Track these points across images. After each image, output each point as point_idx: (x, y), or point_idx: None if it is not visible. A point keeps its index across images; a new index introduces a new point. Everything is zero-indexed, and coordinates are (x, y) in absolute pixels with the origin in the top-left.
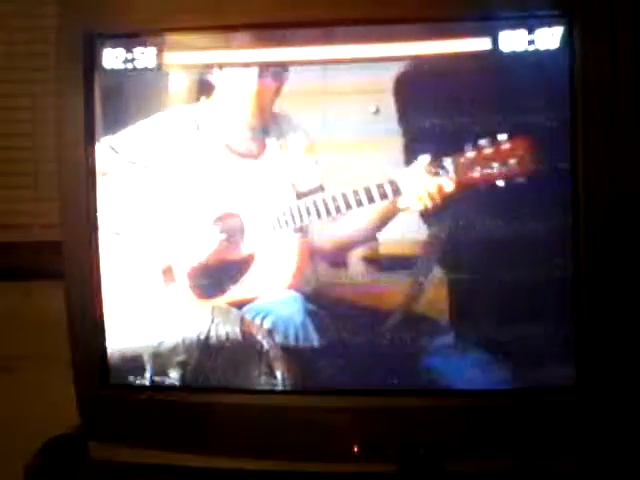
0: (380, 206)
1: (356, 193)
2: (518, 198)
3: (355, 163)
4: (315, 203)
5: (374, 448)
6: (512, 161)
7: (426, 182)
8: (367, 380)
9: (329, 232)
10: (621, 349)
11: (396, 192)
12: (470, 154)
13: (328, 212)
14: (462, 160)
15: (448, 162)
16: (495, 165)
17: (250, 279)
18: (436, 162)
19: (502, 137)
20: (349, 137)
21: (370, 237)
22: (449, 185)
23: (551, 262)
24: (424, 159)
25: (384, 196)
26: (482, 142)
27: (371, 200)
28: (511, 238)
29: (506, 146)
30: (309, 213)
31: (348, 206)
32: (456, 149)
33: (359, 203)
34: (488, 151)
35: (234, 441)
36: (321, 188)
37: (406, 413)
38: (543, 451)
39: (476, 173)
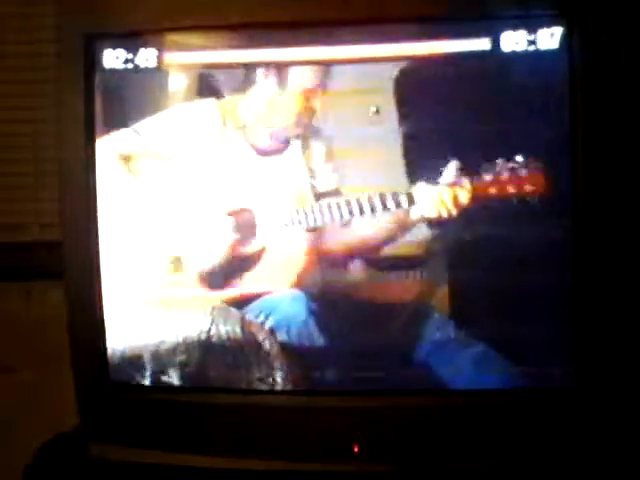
0: (393, 214)
1: (370, 199)
2: (519, 202)
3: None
4: (329, 206)
5: (374, 448)
6: (516, 165)
7: (440, 194)
8: (368, 380)
9: (340, 235)
10: (620, 349)
11: (410, 201)
12: (482, 164)
13: (341, 216)
14: (475, 171)
15: (460, 172)
16: (501, 170)
17: (255, 277)
18: (449, 173)
19: (511, 149)
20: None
21: (380, 243)
22: (462, 196)
23: (552, 265)
24: (439, 171)
25: (398, 205)
26: (495, 153)
27: (385, 207)
28: (513, 241)
29: (516, 160)
30: (322, 215)
31: (362, 211)
32: (469, 159)
33: (373, 209)
34: (500, 162)
35: (234, 441)
36: (337, 192)
37: (406, 413)
38: (542, 451)
39: (486, 180)
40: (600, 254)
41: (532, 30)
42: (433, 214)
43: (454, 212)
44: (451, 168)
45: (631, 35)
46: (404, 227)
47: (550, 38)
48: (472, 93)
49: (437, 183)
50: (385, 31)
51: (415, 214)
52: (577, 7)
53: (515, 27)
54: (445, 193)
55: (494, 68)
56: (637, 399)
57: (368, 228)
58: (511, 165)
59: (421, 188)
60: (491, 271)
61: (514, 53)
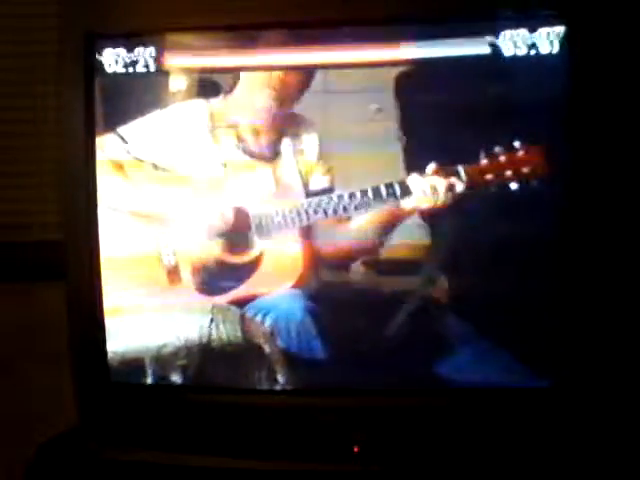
0: (387, 208)
1: (364, 193)
2: (511, 201)
3: (365, 164)
4: (323, 203)
5: (374, 448)
6: (513, 163)
7: (434, 184)
8: (367, 380)
9: (335, 233)
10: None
11: (405, 193)
12: (475, 158)
13: (335, 212)
14: (467, 164)
15: (454, 165)
16: (497, 168)
17: (254, 277)
18: (442, 165)
19: (506, 141)
20: (359, 139)
21: (375, 238)
22: (456, 188)
23: (546, 263)
24: (431, 162)
25: (392, 197)
26: (489, 146)
27: (379, 201)
28: (499, 241)
29: (512, 151)
30: (316, 213)
31: (355, 206)
32: (461, 152)
33: (367, 204)
34: (494, 155)
35: (234, 441)
36: (330, 188)
37: (406, 413)
38: (542, 450)
39: (481, 176)
40: (592, 255)
41: (532, 31)
42: (429, 205)
43: (450, 203)
44: (447, 163)
45: (631, 35)
46: (399, 221)
47: (550, 39)
48: (472, 94)
49: (432, 175)
50: (385, 33)
51: (410, 205)
52: (577, 8)
53: (515, 28)
54: (440, 184)
55: (494, 69)
56: (633, 398)
57: (363, 223)
58: (510, 165)
59: (415, 180)
60: (489, 268)
61: (514, 54)
